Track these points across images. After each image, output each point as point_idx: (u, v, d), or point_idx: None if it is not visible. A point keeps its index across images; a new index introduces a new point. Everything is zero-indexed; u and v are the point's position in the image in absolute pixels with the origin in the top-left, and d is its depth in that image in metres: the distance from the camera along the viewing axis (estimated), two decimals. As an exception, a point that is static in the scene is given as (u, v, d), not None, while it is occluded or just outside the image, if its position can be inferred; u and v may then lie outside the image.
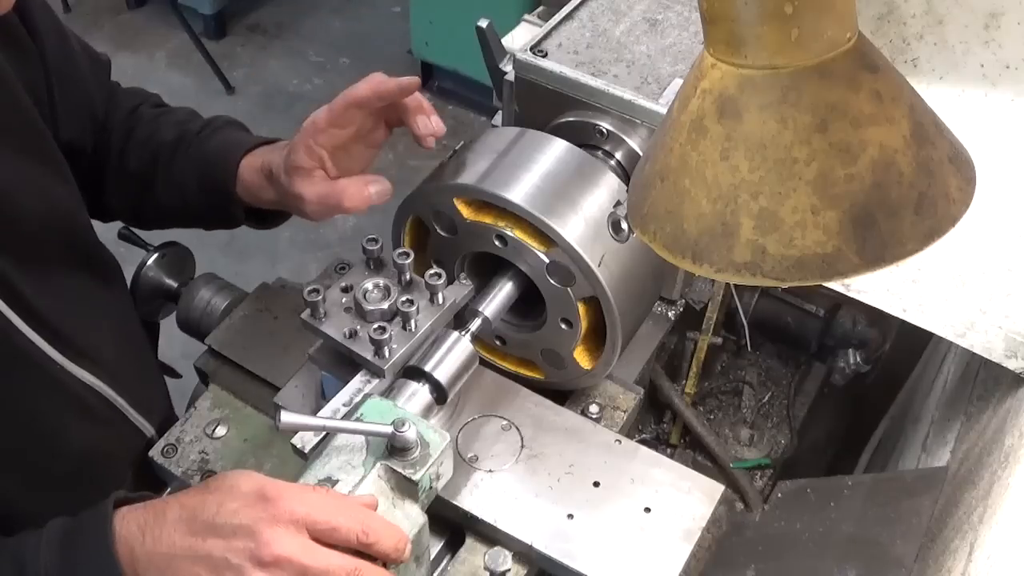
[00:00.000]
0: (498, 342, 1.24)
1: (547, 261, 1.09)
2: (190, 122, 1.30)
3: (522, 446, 1.13)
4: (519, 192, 1.07)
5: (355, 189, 1.12)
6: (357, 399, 1.02)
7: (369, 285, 1.07)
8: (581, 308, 1.12)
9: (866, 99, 0.63)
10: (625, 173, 1.20)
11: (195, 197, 1.26)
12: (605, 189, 1.12)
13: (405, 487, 0.93)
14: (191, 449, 1.19)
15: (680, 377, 1.54)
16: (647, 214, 0.72)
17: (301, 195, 1.13)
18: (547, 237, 1.07)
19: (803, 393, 1.69)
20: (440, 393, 1.06)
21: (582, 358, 1.19)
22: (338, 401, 1.03)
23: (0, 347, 1.02)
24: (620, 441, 1.15)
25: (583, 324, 1.14)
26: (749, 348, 1.62)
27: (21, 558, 0.88)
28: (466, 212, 1.11)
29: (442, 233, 1.16)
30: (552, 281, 1.11)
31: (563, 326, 1.15)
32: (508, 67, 1.23)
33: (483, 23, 1.23)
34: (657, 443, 1.56)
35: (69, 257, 1.15)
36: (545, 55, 1.19)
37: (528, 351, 1.23)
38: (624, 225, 1.09)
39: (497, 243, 1.11)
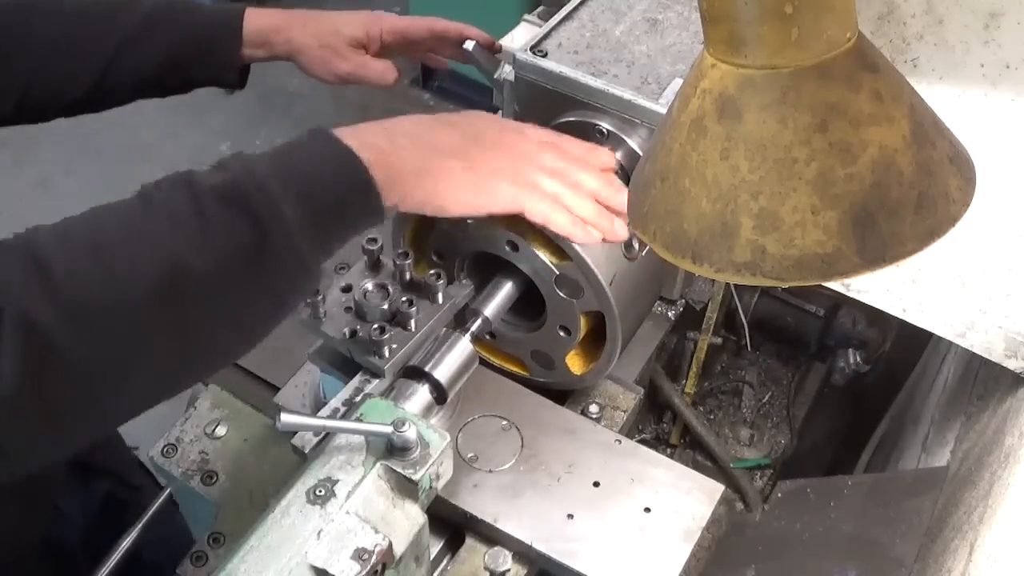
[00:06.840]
0: (487, 336, 1.24)
1: (557, 273, 1.09)
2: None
3: (522, 446, 1.13)
4: None
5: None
6: (357, 399, 1.02)
7: (369, 285, 1.07)
8: (582, 318, 1.12)
9: (866, 99, 0.63)
10: (625, 173, 1.20)
11: (187, 56, 1.23)
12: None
13: (405, 487, 0.93)
14: (191, 449, 1.19)
15: (680, 377, 1.54)
16: (647, 214, 0.72)
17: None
18: (562, 250, 1.07)
19: (803, 393, 1.69)
20: (440, 393, 1.06)
21: (573, 363, 1.19)
22: (338, 401, 1.03)
23: None
24: (620, 441, 1.15)
25: (582, 332, 1.14)
26: (749, 348, 1.62)
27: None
28: None
29: (448, 227, 1.15)
30: (560, 293, 1.11)
31: (561, 333, 1.15)
32: (507, 68, 1.23)
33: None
34: (657, 443, 1.56)
35: None
36: (545, 55, 1.19)
37: (518, 349, 1.23)
38: (636, 243, 1.08)
39: (507, 247, 1.10)
